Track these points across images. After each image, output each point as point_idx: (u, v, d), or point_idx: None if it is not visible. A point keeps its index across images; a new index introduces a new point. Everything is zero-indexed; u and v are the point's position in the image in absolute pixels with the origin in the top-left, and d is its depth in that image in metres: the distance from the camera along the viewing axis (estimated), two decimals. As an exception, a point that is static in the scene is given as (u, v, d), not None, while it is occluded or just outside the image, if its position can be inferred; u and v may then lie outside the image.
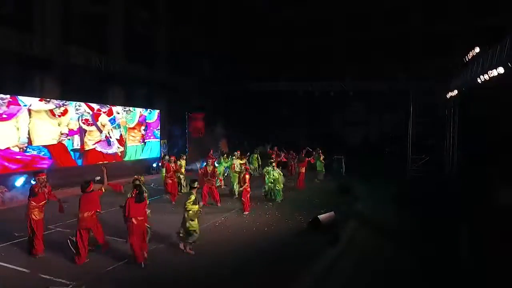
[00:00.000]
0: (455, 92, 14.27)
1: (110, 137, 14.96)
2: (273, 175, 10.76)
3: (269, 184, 10.80)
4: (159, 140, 17.70)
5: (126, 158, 15.75)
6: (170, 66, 18.24)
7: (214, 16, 21.50)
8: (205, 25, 20.51)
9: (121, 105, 15.71)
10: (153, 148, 17.44)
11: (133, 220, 5.80)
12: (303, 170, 13.39)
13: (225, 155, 13.55)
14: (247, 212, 9.18)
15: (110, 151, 14.95)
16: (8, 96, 11.44)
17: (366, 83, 18.13)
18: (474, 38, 14.25)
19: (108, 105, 15.01)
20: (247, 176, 9.52)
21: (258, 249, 6.62)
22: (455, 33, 18.43)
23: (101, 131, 14.59)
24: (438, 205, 9.99)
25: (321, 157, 15.04)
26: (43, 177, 6.46)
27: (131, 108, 16.07)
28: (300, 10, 22.24)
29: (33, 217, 6.14)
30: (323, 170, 15.08)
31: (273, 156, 15.01)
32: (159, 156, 17.81)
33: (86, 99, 14.21)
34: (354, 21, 21.67)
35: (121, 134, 15.49)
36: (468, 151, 15.57)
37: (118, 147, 15.36)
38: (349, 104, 21.07)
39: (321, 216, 7.51)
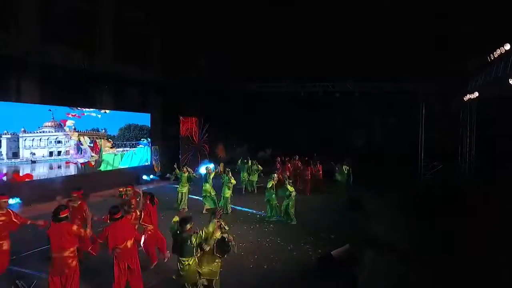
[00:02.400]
0: (476, 94, 12.92)
1: (81, 144, 13.49)
2: (288, 190, 9.32)
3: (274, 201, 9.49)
4: (146, 146, 16.32)
5: (102, 168, 14.21)
6: (163, 66, 16.85)
7: (210, 13, 20.06)
8: (201, 23, 19.07)
9: (109, 109, 14.41)
10: (137, 156, 15.94)
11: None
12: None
13: (220, 171, 11.87)
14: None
15: (81, 160, 13.39)
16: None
17: (373, 84, 16.81)
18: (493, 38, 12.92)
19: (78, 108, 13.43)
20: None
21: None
22: (471, 32, 17.00)
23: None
24: (463, 219, 8.81)
25: (345, 169, 13.82)
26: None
27: (107, 111, 14.56)
28: (302, 8, 20.80)
29: None
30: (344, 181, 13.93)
31: (278, 165, 13.67)
32: (150, 163, 16.48)
33: (69, 103, 12.89)
34: (361, 20, 20.18)
35: (95, 141, 14.01)
36: (486, 157, 14.29)
37: (92, 156, 13.77)
38: (355, 106, 19.67)
39: (334, 252, 6.16)
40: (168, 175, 14.66)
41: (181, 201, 10.23)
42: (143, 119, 16.42)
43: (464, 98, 13.89)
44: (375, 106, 18.95)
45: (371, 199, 11.61)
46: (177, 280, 4.79)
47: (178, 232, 4.72)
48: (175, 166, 11.08)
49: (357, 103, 18.40)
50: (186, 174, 10.41)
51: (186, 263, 4.58)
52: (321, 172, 14.29)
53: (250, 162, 13.78)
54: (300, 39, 19.88)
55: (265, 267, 6.47)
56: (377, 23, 18.62)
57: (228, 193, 10.25)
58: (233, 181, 10.40)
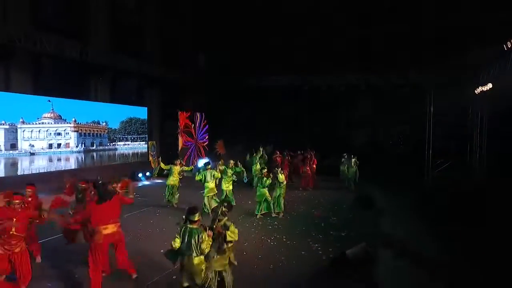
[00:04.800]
0: (489, 85, 12.27)
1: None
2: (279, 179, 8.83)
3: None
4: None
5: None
6: (162, 59, 16.17)
7: (209, 5, 19.39)
8: (199, 15, 18.41)
9: (104, 101, 13.74)
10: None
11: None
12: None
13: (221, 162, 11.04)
14: None
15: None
16: None
17: (379, 78, 16.18)
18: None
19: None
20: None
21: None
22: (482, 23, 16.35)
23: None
24: (477, 217, 8.08)
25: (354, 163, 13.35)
26: None
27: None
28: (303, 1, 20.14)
29: None
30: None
31: (278, 160, 13.08)
32: (147, 160, 15.79)
33: (62, 94, 12.20)
34: (364, 13, 19.53)
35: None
36: (499, 154, 13.62)
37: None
38: (359, 101, 19.02)
39: (349, 252, 5.49)
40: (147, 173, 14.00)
41: (169, 195, 9.60)
42: (144, 113, 15.79)
43: (476, 91, 13.25)
44: (380, 101, 18.28)
45: (380, 196, 10.97)
46: (183, 280, 4.13)
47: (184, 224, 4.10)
48: (159, 159, 10.44)
49: (363, 97, 17.78)
50: (178, 167, 9.76)
51: (194, 260, 3.97)
52: (315, 165, 13.63)
53: (260, 150, 13.12)
54: (303, 31, 19.26)
55: (271, 267, 5.80)
56: (383, 15, 18.02)
57: (229, 186, 9.60)
58: (238, 169, 10.06)
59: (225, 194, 9.46)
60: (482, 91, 12.95)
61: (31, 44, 11.12)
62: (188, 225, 4.05)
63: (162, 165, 10.06)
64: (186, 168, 10.27)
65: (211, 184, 8.97)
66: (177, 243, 4.05)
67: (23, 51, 11.10)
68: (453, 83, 14.62)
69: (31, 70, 11.72)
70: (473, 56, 13.62)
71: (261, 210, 8.91)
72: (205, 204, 8.81)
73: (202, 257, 4.03)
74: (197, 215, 4.06)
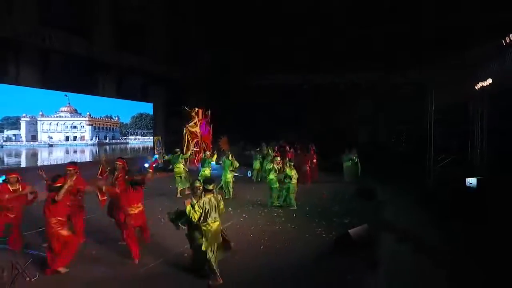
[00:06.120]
0: (489, 81, 12.47)
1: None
2: (288, 174, 8.94)
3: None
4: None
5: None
6: (166, 56, 16.45)
7: (211, 5, 19.69)
8: (202, 15, 18.70)
9: (110, 96, 14.03)
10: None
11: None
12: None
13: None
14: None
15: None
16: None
17: (378, 75, 16.39)
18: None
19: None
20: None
21: (271, 276, 4.81)
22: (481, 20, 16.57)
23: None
24: (478, 211, 8.19)
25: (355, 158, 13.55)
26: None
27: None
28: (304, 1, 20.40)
29: None
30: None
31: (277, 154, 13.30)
32: (153, 155, 16.02)
33: (71, 89, 12.50)
34: (367, 11, 19.76)
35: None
36: (499, 150, 13.77)
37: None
38: (359, 99, 19.19)
39: (352, 231, 5.69)
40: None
41: (179, 183, 9.97)
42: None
43: (476, 87, 13.42)
44: (381, 98, 18.48)
45: (382, 189, 11.13)
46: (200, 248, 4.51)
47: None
48: (163, 150, 10.84)
49: (363, 95, 17.97)
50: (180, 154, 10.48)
51: (211, 225, 4.49)
52: (315, 160, 13.89)
53: (264, 148, 13.37)
54: (303, 31, 19.52)
55: (277, 246, 6.00)
56: (383, 14, 18.27)
57: (229, 177, 9.91)
58: (236, 164, 10.09)
59: (223, 182, 9.90)
60: (482, 87, 13.14)
61: (40, 40, 11.48)
62: (205, 195, 4.52)
63: (165, 156, 10.44)
64: (184, 156, 10.77)
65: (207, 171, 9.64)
66: (197, 215, 4.39)
67: (32, 47, 11.43)
68: (453, 80, 14.80)
69: (39, 65, 12.02)
70: (473, 53, 13.83)
71: (274, 202, 9.03)
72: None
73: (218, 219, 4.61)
74: (212, 185, 4.62)
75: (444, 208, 8.90)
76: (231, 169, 9.92)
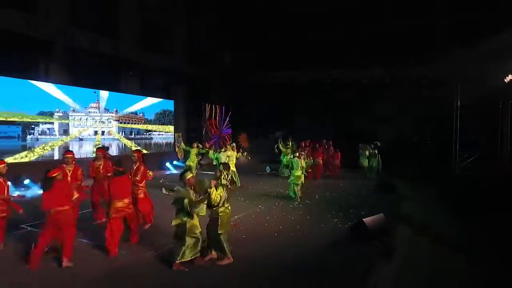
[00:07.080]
0: (519, 73, 11.93)
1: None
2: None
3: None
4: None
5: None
6: (187, 54, 16.86)
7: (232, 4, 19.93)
8: (223, 13, 18.96)
9: (134, 93, 14.58)
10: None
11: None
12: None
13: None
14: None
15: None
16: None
17: (400, 71, 16.00)
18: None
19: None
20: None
21: (285, 262, 4.88)
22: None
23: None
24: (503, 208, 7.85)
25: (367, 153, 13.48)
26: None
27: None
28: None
29: None
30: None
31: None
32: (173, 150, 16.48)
33: (95, 86, 13.12)
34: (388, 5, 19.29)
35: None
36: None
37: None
38: (381, 95, 18.78)
39: (367, 220, 5.67)
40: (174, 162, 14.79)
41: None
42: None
43: (505, 80, 12.89)
44: (404, 94, 18.00)
45: (402, 184, 10.90)
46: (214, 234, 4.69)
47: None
48: (181, 139, 11.17)
49: (386, 91, 17.57)
50: (195, 149, 10.69)
51: (229, 209, 4.80)
52: (338, 159, 13.95)
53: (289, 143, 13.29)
54: (327, 27, 19.35)
55: (291, 234, 6.07)
56: (406, 9, 17.81)
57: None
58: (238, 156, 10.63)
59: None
60: (511, 80, 12.60)
61: (69, 40, 12.17)
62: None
63: (183, 145, 10.81)
64: (201, 151, 11.03)
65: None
66: (218, 199, 4.62)
67: (63, 47, 12.11)
68: (480, 74, 14.24)
69: (69, 63, 12.67)
70: (500, 44, 13.25)
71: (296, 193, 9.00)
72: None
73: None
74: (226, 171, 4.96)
75: (465, 202, 8.63)
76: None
